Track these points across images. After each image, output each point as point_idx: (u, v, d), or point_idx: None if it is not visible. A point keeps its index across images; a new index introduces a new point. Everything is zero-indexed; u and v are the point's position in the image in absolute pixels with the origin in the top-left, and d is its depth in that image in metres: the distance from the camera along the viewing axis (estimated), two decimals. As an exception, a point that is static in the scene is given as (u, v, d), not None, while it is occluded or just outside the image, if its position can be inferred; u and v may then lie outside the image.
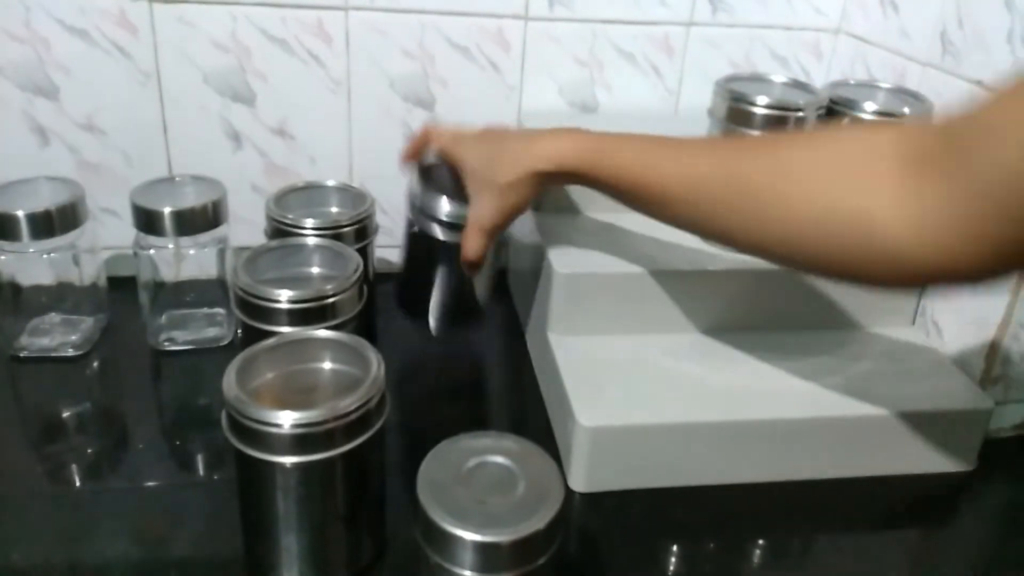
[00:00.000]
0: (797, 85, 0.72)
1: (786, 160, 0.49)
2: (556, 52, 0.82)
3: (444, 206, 0.64)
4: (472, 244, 0.61)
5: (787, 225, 0.47)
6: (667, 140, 0.55)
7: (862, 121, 0.68)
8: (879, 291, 0.68)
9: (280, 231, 0.66)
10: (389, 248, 0.88)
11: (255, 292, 0.57)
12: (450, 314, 0.69)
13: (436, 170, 0.66)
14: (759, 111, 0.66)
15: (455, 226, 0.63)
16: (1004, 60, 0.64)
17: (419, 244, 0.68)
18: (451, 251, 0.63)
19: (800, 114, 0.66)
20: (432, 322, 0.69)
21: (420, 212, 0.66)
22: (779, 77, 0.73)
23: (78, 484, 0.59)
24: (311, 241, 0.64)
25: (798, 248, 0.47)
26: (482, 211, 0.60)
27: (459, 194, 0.63)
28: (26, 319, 0.71)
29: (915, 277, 0.45)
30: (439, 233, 0.65)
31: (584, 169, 0.56)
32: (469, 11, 0.78)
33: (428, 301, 0.69)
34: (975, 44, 0.67)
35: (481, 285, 0.69)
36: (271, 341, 0.51)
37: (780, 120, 0.66)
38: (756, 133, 0.67)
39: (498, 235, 0.62)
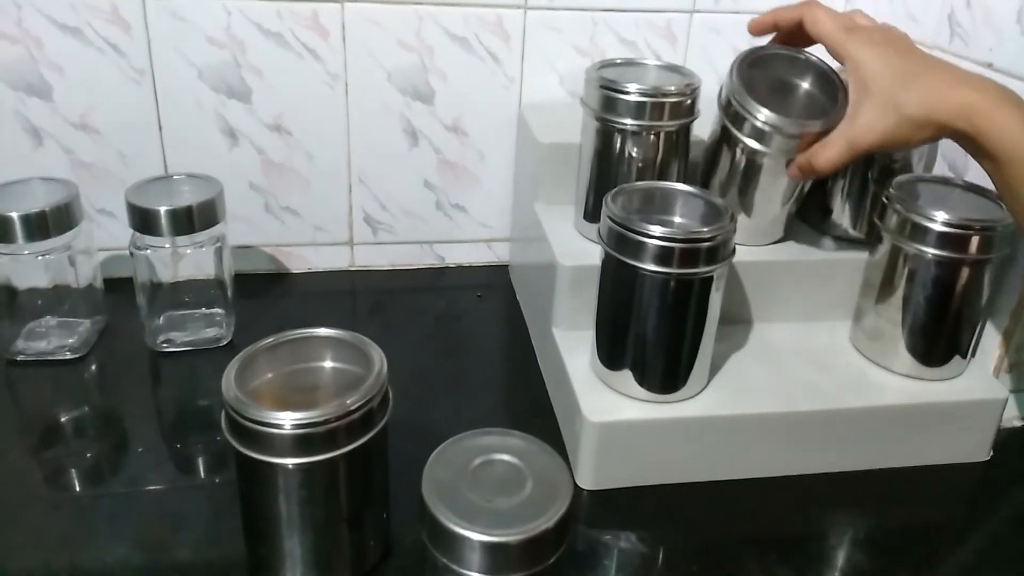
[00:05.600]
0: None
1: None
2: (557, 41, 0.81)
3: (762, 111, 0.57)
4: (832, 154, 0.55)
5: None
6: None
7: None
8: None
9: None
10: (391, 245, 0.87)
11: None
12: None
13: (769, 62, 0.58)
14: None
15: (765, 136, 0.58)
16: (1014, 42, 0.63)
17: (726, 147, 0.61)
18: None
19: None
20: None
21: (732, 113, 0.59)
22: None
23: (77, 489, 0.58)
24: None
25: None
26: (864, 127, 0.53)
27: (780, 101, 0.57)
28: (22, 322, 0.71)
29: None
30: (751, 142, 0.58)
31: (982, 140, 0.49)
32: (467, 1, 0.77)
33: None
34: (984, 26, 0.66)
35: (791, 195, 0.62)
36: (270, 340, 0.50)
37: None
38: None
39: (856, 159, 0.56)
